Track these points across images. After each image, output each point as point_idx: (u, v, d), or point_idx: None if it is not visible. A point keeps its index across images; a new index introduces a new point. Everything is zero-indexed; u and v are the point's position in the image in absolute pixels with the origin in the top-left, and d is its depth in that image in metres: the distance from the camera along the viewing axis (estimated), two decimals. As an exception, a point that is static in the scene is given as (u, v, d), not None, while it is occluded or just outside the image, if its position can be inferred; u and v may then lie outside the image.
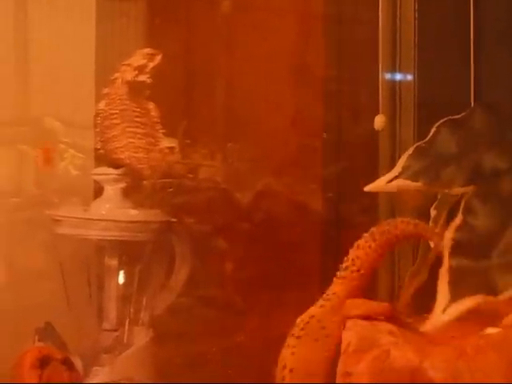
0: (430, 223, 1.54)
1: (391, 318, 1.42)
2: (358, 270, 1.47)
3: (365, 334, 1.36)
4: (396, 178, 1.52)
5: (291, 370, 1.35)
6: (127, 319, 2.00)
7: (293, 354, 1.36)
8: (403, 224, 1.48)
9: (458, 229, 1.40)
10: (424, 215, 1.60)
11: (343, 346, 1.35)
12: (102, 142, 1.97)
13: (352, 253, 1.49)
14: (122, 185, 1.99)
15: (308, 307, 1.44)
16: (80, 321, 1.95)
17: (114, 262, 2.01)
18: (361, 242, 1.50)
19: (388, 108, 2.10)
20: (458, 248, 1.37)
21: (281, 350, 1.38)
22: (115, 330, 1.99)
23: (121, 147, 1.96)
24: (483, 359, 1.27)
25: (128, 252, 2.00)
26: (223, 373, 1.93)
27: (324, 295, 1.45)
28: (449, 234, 1.38)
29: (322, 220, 2.20)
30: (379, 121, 1.83)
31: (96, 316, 1.99)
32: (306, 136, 2.25)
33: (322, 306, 1.43)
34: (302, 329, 1.39)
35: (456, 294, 1.31)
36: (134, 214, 1.96)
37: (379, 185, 1.52)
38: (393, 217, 2.06)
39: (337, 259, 1.50)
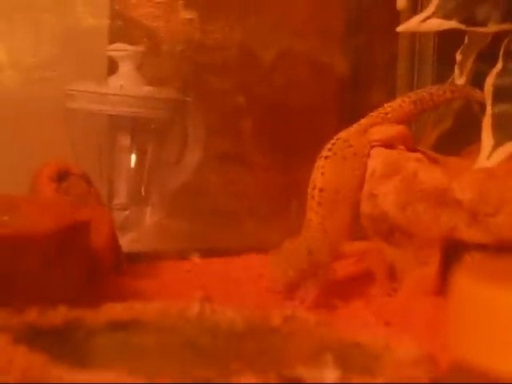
0: (456, 68, 1.51)
1: (408, 141, 1.41)
2: (386, 114, 1.48)
3: (391, 160, 1.34)
4: (429, 17, 1.47)
5: (321, 190, 1.34)
6: (138, 198, 1.98)
7: (322, 175, 1.35)
8: (440, 91, 1.51)
9: (499, 75, 1.37)
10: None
11: (368, 173, 1.32)
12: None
13: (387, 103, 1.50)
14: (137, 61, 1.97)
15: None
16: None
17: (126, 140, 1.98)
18: (398, 98, 1.53)
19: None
20: (499, 94, 1.35)
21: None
22: (125, 209, 1.96)
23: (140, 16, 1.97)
24: (510, 180, 1.24)
25: (140, 130, 1.98)
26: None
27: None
28: (490, 80, 1.35)
29: (341, 83, 2.15)
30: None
31: (106, 194, 1.95)
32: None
33: (347, 130, 1.42)
34: (330, 149, 1.38)
35: (499, 139, 1.29)
36: (147, 90, 1.94)
37: (412, 25, 1.49)
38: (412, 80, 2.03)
39: (353, 122, 1.47)
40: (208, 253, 1.57)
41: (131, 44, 1.98)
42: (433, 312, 1.19)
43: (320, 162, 1.36)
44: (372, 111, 1.47)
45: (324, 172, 1.34)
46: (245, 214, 1.95)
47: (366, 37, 2.16)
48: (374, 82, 2.17)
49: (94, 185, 1.44)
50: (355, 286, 1.34)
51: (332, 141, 1.39)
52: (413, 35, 1.99)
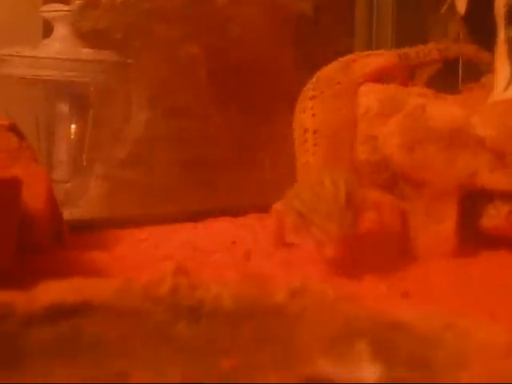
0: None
1: (400, 71, 1.24)
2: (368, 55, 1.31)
3: (388, 95, 1.09)
4: None
5: (315, 132, 1.13)
6: (80, 170, 1.81)
7: (313, 116, 1.15)
8: (425, 50, 1.37)
9: None
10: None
11: (360, 113, 1.07)
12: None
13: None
14: (74, 22, 1.79)
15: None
16: (28, 171, 1.68)
17: (64, 107, 1.82)
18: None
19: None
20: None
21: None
22: (67, 182, 1.79)
23: None
24: None
25: (80, 96, 1.81)
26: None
27: None
28: (500, 0, 1.11)
29: (297, 30, 1.96)
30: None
31: (46, 166, 1.72)
32: None
33: (326, 68, 1.24)
34: (314, 89, 1.19)
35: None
36: (86, 52, 1.77)
37: None
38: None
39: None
40: (167, 218, 1.31)
41: (67, 3, 1.81)
42: (455, 278, 0.94)
43: (307, 104, 1.18)
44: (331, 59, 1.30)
45: (315, 113, 1.15)
46: (204, 175, 1.71)
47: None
48: (332, 27, 1.96)
49: (26, 139, 1.18)
50: (351, 248, 1.09)
51: (312, 80, 1.21)
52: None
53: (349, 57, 1.26)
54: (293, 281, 0.65)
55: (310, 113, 1.15)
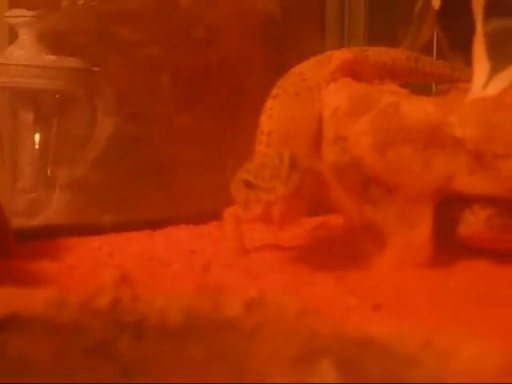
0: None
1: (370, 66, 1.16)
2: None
3: (358, 94, 1.01)
4: None
5: (269, 133, 1.07)
6: (44, 179, 1.77)
7: (271, 117, 1.09)
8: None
9: None
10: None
11: (328, 112, 1.00)
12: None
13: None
14: (38, 28, 1.75)
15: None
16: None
17: (28, 115, 1.77)
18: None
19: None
20: (492, 7, 1.04)
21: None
22: (31, 192, 1.74)
23: None
24: None
25: (44, 103, 1.77)
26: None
27: None
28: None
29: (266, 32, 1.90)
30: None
31: (10, 176, 1.75)
32: None
33: (302, 64, 1.18)
34: (280, 87, 1.13)
35: (498, 62, 0.98)
36: (50, 59, 1.74)
37: None
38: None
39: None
40: (125, 226, 1.22)
41: (32, 9, 1.76)
42: (431, 289, 0.86)
43: (268, 104, 1.12)
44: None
45: (272, 114, 1.09)
46: (167, 181, 1.64)
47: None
48: (302, 27, 1.90)
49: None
50: (316, 254, 1.02)
51: (285, 76, 1.15)
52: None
53: (326, 53, 1.20)
54: (249, 292, 0.57)
55: (268, 114, 1.10)
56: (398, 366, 0.48)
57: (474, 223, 0.94)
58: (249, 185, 0.94)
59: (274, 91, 1.12)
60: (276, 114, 1.09)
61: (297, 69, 1.15)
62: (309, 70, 1.14)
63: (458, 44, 1.19)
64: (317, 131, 1.04)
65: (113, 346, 0.58)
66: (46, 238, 1.23)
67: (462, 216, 0.95)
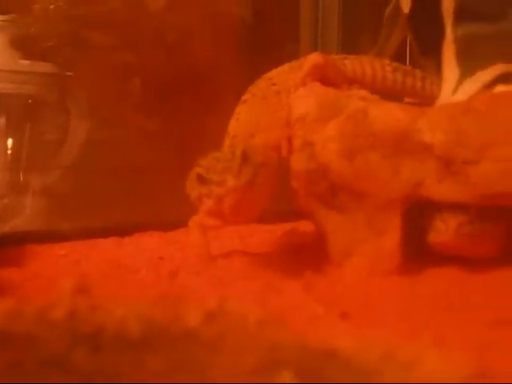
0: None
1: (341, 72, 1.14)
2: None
3: (328, 99, 0.99)
4: None
5: (234, 137, 1.07)
6: (17, 185, 1.73)
7: (237, 120, 1.09)
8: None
9: None
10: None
11: (295, 116, 0.99)
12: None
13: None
14: (10, 32, 1.73)
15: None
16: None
17: (0, 120, 1.75)
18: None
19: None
20: (462, 12, 1.03)
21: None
22: (3, 197, 1.71)
23: None
24: (494, 116, 0.91)
25: (16, 108, 1.75)
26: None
27: None
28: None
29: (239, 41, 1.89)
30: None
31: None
32: None
33: (275, 69, 1.17)
34: (249, 91, 1.13)
35: (467, 68, 0.97)
36: (22, 63, 1.70)
37: None
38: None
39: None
40: (92, 232, 1.20)
41: (4, 13, 1.74)
42: (399, 298, 0.85)
43: (237, 108, 1.12)
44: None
45: (239, 117, 1.09)
46: (135, 188, 1.62)
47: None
48: (276, 32, 1.89)
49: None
50: (285, 261, 1.00)
51: (256, 81, 1.15)
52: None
53: (299, 60, 1.19)
54: (208, 301, 0.55)
55: (235, 117, 1.10)
56: (358, 378, 0.47)
57: (444, 231, 0.93)
58: (201, 179, 0.94)
59: (244, 96, 1.12)
60: (242, 118, 1.09)
61: (268, 74, 1.15)
62: (280, 75, 1.13)
63: (430, 48, 1.18)
64: (283, 135, 1.03)
65: (69, 357, 0.56)
66: (14, 244, 1.20)
67: (432, 224, 0.93)
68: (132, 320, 0.56)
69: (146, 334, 0.56)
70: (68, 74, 1.76)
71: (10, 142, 1.74)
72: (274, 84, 1.12)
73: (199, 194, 0.95)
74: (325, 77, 1.09)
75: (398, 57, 1.34)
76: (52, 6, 1.82)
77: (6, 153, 1.73)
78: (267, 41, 1.93)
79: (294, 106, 1.03)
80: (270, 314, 0.56)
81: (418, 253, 0.96)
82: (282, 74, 1.14)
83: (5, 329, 0.57)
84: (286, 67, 1.16)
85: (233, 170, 0.93)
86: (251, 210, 0.95)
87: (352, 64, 1.20)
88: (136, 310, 0.57)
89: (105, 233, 1.26)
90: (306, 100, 1.04)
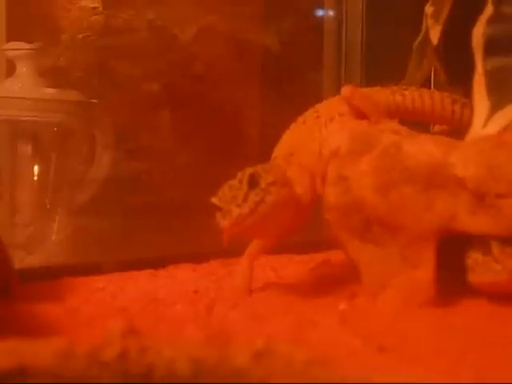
0: (428, 20, 1.20)
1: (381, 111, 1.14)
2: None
3: (360, 132, 1.01)
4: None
5: (274, 158, 1.14)
6: (43, 213, 1.76)
7: (278, 144, 1.16)
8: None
9: (490, 21, 1.07)
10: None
11: (328, 151, 1.00)
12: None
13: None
14: (36, 61, 1.76)
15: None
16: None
17: (27, 148, 1.77)
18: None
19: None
20: (491, 46, 1.04)
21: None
22: (29, 225, 1.74)
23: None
24: None
25: (43, 137, 1.77)
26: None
27: None
28: (479, 30, 1.04)
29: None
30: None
31: (8, 209, 1.75)
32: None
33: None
34: (295, 121, 1.19)
35: (498, 101, 0.99)
36: (49, 92, 1.74)
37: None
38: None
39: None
40: (127, 265, 1.22)
41: (30, 41, 1.77)
42: (435, 330, 0.86)
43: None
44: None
45: (280, 142, 1.15)
46: (166, 219, 1.64)
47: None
48: (299, 63, 1.92)
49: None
50: (319, 293, 1.02)
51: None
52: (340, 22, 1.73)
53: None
54: (256, 341, 0.57)
55: (278, 144, 1.16)
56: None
57: (500, 271, 0.94)
58: (216, 207, 0.99)
59: (297, 119, 1.17)
60: (282, 141, 1.14)
61: (320, 104, 1.20)
62: (324, 104, 1.17)
63: (458, 79, 1.19)
64: (317, 171, 1.05)
65: (121, 397, 0.58)
66: (49, 277, 1.22)
67: (466, 256, 0.95)
68: (182, 360, 0.58)
69: (195, 374, 0.57)
70: (94, 101, 1.79)
71: (36, 169, 1.77)
72: (316, 111, 1.17)
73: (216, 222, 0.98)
74: (357, 109, 1.11)
75: (423, 86, 1.35)
76: (80, 36, 1.85)
77: (33, 181, 1.75)
78: (291, 70, 1.95)
79: (327, 140, 1.05)
80: (315, 354, 0.57)
81: (451, 286, 0.97)
82: (326, 103, 1.18)
83: (57, 370, 0.59)
84: (334, 99, 1.20)
85: (238, 198, 0.97)
86: (268, 229, 0.99)
87: (411, 95, 1.21)
88: (185, 350, 0.59)
89: (139, 265, 1.28)
90: (338, 134, 1.05)
